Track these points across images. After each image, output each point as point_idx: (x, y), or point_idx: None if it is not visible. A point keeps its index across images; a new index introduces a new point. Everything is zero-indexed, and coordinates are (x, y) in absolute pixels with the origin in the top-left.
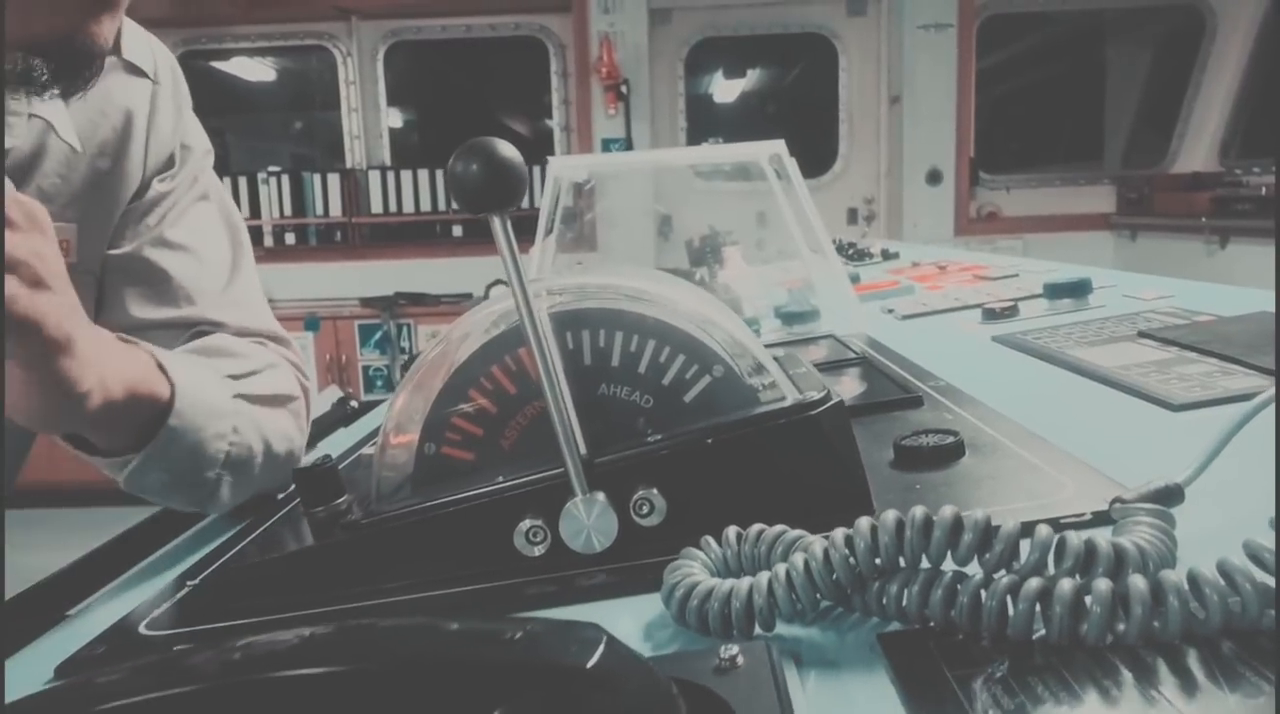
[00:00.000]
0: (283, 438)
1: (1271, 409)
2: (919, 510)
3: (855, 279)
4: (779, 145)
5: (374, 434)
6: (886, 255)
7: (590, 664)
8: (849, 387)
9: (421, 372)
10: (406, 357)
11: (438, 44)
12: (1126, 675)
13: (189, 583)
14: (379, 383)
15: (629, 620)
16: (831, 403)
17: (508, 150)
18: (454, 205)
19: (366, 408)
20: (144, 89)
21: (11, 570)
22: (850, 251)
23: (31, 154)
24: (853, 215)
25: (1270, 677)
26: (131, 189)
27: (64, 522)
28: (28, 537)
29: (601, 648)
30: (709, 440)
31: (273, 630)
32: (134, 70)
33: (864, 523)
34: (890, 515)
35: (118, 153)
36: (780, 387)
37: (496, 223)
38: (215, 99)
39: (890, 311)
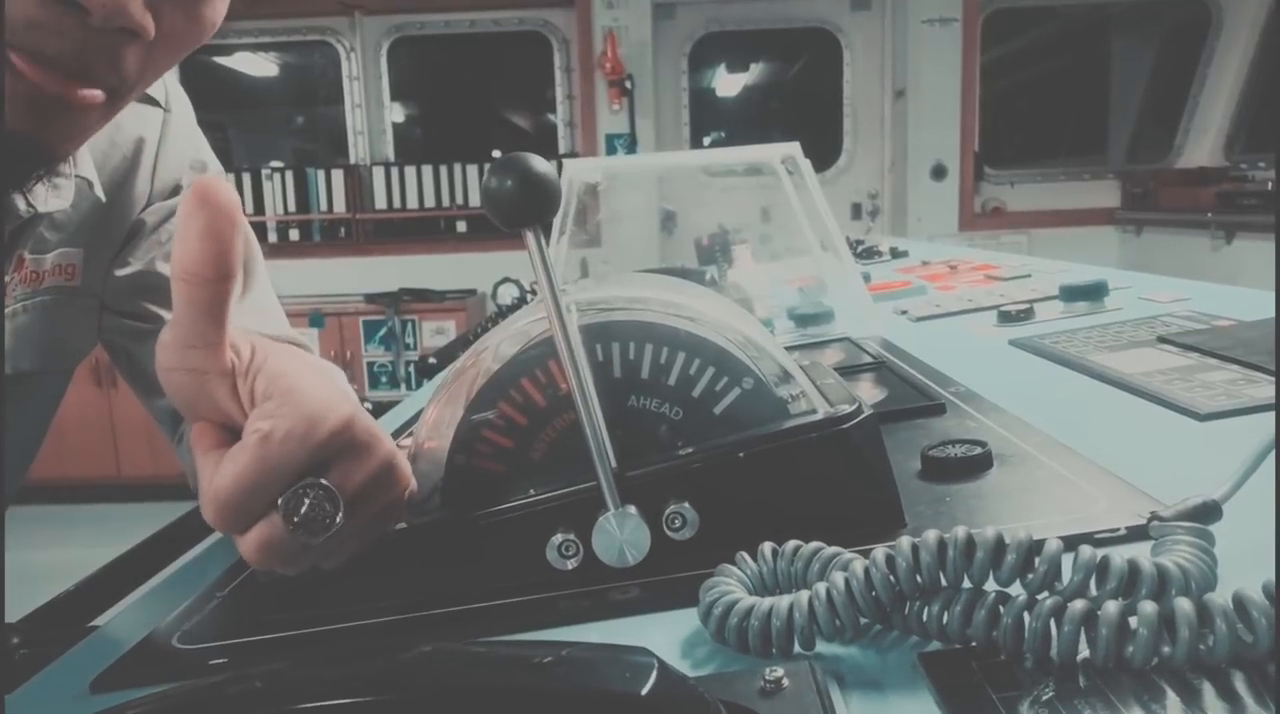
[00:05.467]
0: None
1: None
2: (961, 530)
3: (866, 278)
4: (794, 148)
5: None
6: (895, 253)
7: (644, 692)
8: (869, 393)
9: (452, 383)
10: (414, 352)
11: (441, 39)
12: (1173, 698)
13: (218, 594)
14: (384, 379)
15: (665, 636)
16: (863, 416)
17: (541, 165)
18: (458, 200)
19: (379, 411)
20: (155, 117)
21: (20, 567)
22: (859, 249)
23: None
24: (856, 210)
25: None
26: (135, 214)
27: (70, 518)
28: (32, 534)
29: (654, 675)
30: (741, 454)
31: (310, 648)
32: (146, 99)
33: (905, 542)
34: (932, 535)
35: (125, 180)
36: (809, 398)
37: (530, 238)
38: (218, 95)
39: (904, 313)
